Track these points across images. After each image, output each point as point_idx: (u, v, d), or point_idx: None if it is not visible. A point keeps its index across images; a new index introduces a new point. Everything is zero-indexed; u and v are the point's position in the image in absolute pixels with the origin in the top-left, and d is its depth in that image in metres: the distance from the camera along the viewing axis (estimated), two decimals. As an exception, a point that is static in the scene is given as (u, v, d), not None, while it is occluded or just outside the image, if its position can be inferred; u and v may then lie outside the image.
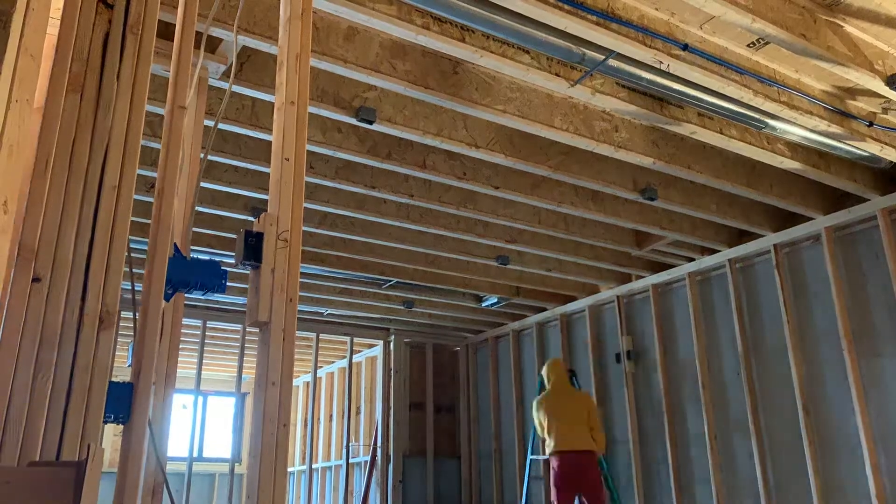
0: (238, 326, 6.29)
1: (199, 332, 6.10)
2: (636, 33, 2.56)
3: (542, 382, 4.89)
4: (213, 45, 2.64)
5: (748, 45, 2.79)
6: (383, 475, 6.69)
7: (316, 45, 2.56)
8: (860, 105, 3.28)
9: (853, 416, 3.87)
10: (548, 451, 4.46)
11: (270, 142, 1.82)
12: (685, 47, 2.64)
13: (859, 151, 3.52)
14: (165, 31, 2.08)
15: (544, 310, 6.30)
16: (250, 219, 4.14)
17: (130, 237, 1.48)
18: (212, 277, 1.68)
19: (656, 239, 4.76)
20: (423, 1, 2.41)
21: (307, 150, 1.92)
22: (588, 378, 5.73)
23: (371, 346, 7.51)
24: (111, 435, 7.81)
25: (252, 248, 1.61)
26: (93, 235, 1.39)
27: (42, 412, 1.26)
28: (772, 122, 3.21)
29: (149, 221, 1.71)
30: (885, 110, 3.32)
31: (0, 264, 1.25)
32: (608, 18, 2.49)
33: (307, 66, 1.82)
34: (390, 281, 5.47)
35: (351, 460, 7.43)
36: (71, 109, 1.43)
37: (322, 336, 6.88)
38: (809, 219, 4.27)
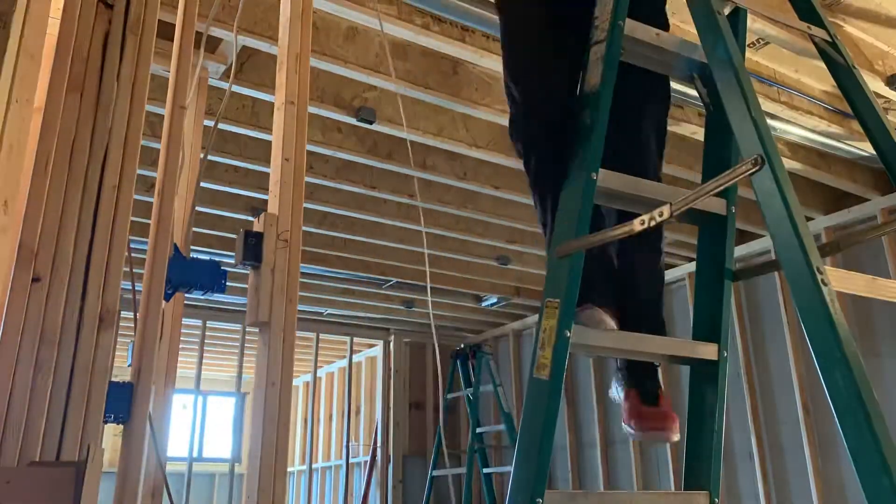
0: (238, 326, 6.29)
1: (199, 332, 6.10)
2: (636, 33, 2.56)
3: None
4: (213, 45, 2.64)
5: (748, 45, 2.79)
6: (383, 475, 6.69)
7: (316, 45, 2.56)
8: (860, 105, 3.28)
9: (853, 416, 3.87)
10: None
11: (270, 142, 1.83)
12: (685, 47, 2.64)
13: (859, 151, 3.52)
14: (165, 31, 2.08)
15: (544, 310, 6.30)
16: (250, 219, 4.14)
17: (130, 237, 1.48)
18: (212, 277, 1.68)
19: (656, 239, 4.76)
20: (423, 1, 2.41)
21: (307, 150, 1.91)
22: (588, 378, 5.74)
23: (371, 346, 7.51)
24: (111, 435, 7.81)
25: (252, 248, 1.61)
26: (93, 235, 1.39)
27: (42, 412, 1.26)
28: (771, 122, 3.22)
29: (149, 221, 1.70)
30: (885, 110, 3.32)
31: (0, 264, 1.25)
32: (608, 19, 2.49)
33: (307, 66, 1.82)
34: (390, 281, 5.47)
35: (351, 460, 7.43)
36: (71, 109, 1.43)
37: (322, 336, 6.88)
38: (809, 219, 4.27)
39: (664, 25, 1.57)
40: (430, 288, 5.63)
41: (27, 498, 1.18)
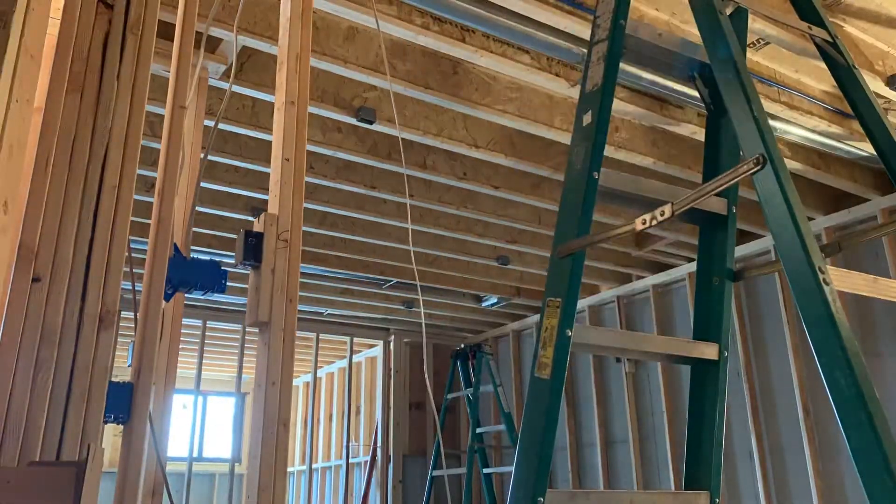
0: (238, 326, 6.29)
1: (199, 332, 6.09)
2: (636, 33, 2.55)
3: None
4: (213, 45, 2.63)
5: (748, 45, 2.79)
6: (383, 475, 6.69)
7: (316, 45, 2.56)
8: (860, 105, 3.28)
9: (853, 416, 3.87)
10: None
11: (271, 142, 1.82)
12: (685, 47, 2.64)
13: (859, 151, 3.52)
14: (165, 31, 2.08)
15: (544, 310, 6.30)
16: (250, 219, 4.14)
17: (130, 237, 1.48)
18: (212, 277, 1.68)
19: (657, 239, 4.76)
20: (423, 1, 2.41)
21: (307, 150, 1.91)
22: (588, 378, 5.73)
23: (371, 346, 7.51)
24: (111, 435, 7.81)
25: (252, 248, 1.61)
26: (93, 235, 1.39)
27: (42, 412, 1.26)
28: (771, 123, 3.21)
29: (149, 221, 1.70)
30: (885, 111, 3.32)
31: (0, 264, 1.24)
32: (608, 18, 2.48)
33: (307, 66, 1.82)
34: (390, 281, 5.46)
35: (351, 460, 7.43)
36: (71, 109, 1.43)
37: (322, 336, 6.88)
38: (809, 219, 4.27)
39: None
40: (429, 288, 5.64)
41: (27, 498, 1.18)
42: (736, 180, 1.11)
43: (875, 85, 2.85)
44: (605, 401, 5.60)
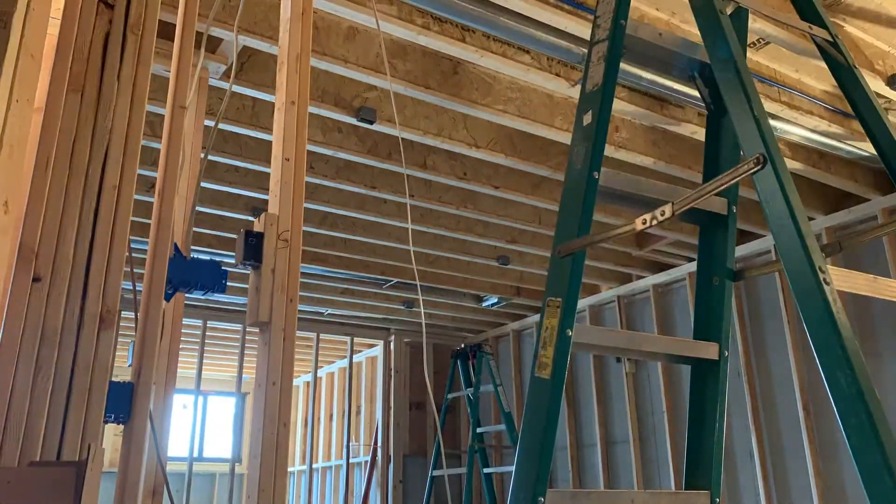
0: (238, 326, 6.29)
1: (199, 332, 6.09)
2: (636, 33, 2.55)
3: None
4: (213, 45, 2.63)
5: (748, 45, 2.79)
6: (383, 475, 6.69)
7: (316, 45, 2.56)
8: (860, 105, 3.28)
9: (853, 416, 3.86)
10: None
11: (271, 142, 1.82)
12: (685, 47, 2.63)
13: (860, 151, 3.52)
14: (166, 31, 2.08)
15: (544, 310, 6.29)
16: (251, 219, 4.14)
17: (131, 237, 1.48)
18: (212, 277, 1.68)
19: (657, 239, 4.76)
20: (424, 1, 2.41)
21: (308, 150, 1.91)
22: (588, 378, 5.73)
23: (371, 346, 7.51)
24: (111, 435, 7.81)
25: (252, 248, 1.61)
26: (93, 235, 1.39)
27: (42, 412, 1.26)
28: (772, 122, 3.21)
29: (149, 221, 1.70)
30: (885, 110, 3.32)
31: (0, 264, 1.24)
32: (608, 18, 2.48)
33: (307, 67, 1.82)
34: (391, 281, 5.46)
35: (351, 460, 7.42)
36: (71, 109, 1.43)
37: (322, 336, 6.88)
38: (810, 219, 4.27)
39: None
40: (430, 288, 5.63)
41: (27, 498, 1.18)
42: (736, 180, 1.11)
43: (875, 85, 2.85)
44: (606, 401, 5.60)
